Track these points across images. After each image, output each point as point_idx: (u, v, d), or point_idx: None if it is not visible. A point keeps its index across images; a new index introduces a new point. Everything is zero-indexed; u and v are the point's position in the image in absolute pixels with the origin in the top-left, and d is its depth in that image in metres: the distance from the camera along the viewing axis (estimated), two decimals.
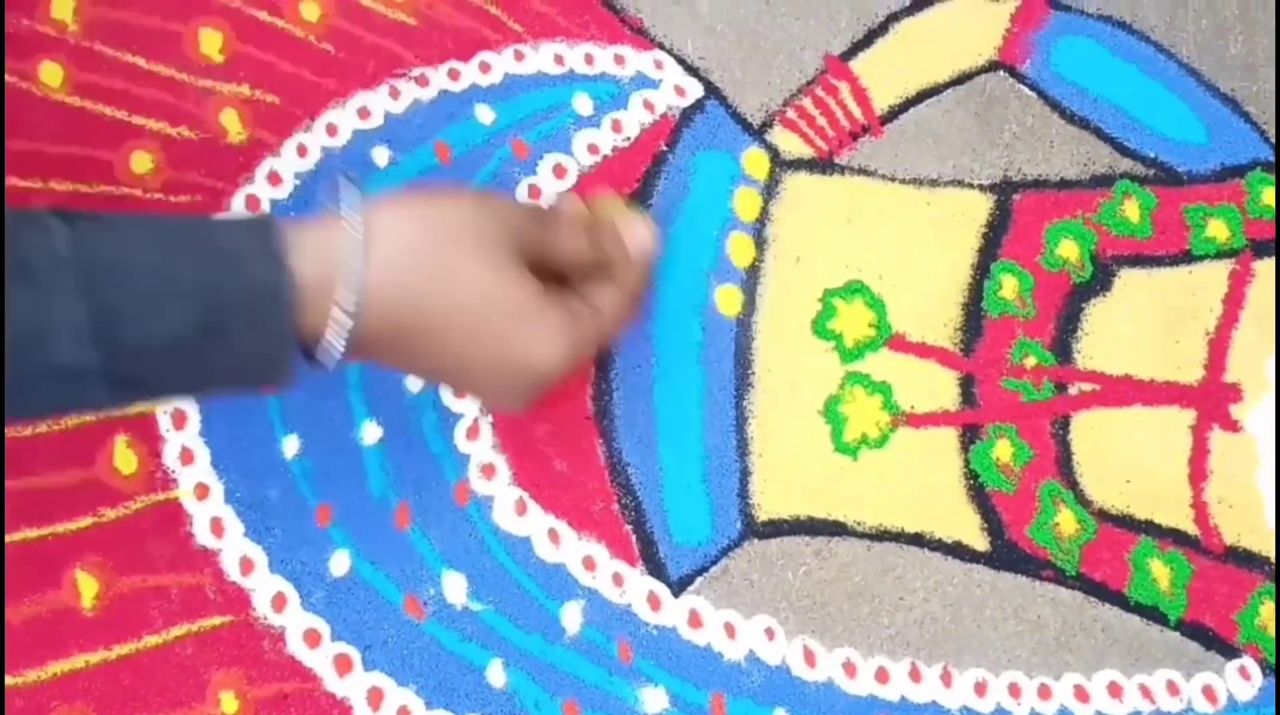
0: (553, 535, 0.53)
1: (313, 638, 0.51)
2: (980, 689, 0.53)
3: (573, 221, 0.48)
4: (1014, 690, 0.53)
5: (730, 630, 0.53)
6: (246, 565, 0.51)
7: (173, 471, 0.52)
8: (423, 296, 0.43)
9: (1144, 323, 0.59)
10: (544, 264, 0.46)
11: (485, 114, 0.58)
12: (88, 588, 0.50)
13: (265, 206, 0.55)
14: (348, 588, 0.51)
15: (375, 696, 0.50)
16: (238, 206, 0.55)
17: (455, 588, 0.52)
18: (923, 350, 0.57)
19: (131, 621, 0.50)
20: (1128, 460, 0.57)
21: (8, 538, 0.50)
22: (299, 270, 0.41)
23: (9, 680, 0.48)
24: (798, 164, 0.59)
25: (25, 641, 0.49)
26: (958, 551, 0.55)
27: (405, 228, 0.43)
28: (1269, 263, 0.60)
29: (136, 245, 0.39)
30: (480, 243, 0.43)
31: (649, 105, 0.59)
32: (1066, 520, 0.56)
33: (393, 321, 0.42)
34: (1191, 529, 0.56)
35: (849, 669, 0.53)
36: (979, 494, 0.56)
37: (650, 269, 0.51)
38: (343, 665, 0.51)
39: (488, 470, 0.53)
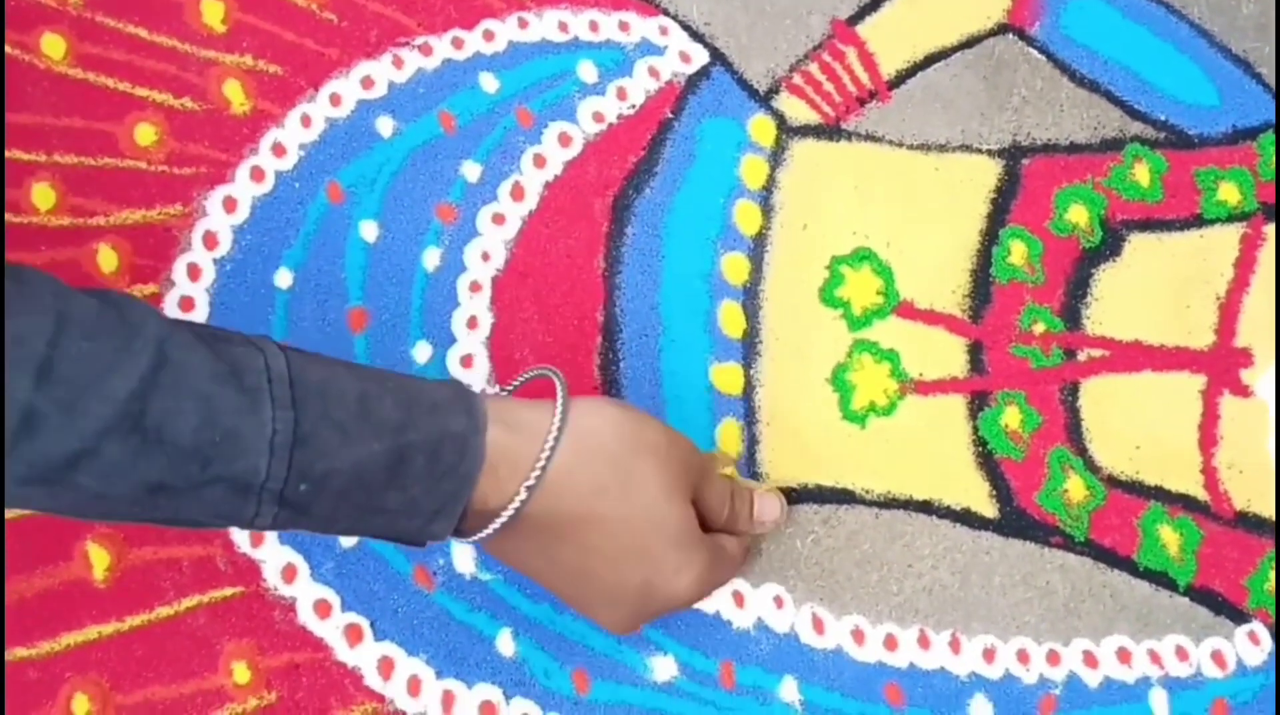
0: None
1: (323, 608, 0.51)
2: (989, 655, 0.53)
3: (723, 486, 0.49)
4: (1023, 656, 0.53)
5: (739, 599, 0.53)
6: (257, 537, 0.51)
7: None
8: (599, 494, 0.43)
9: (1154, 288, 0.58)
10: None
11: (489, 82, 0.58)
12: (100, 560, 0.50)
13: (270, 178, 0.55)
14: (357, 558, 0.52)
15: (386, 666, 0.51)
16: (242, 178, 0.55)
17: (464, 558, 0.52)
18: (931, 317, 0.57)
19: (143, 593, 0.50)
20: (1137, 426, 0.57)
21: (20, 511, 0.50)
22: (493, 435, 0.41)
23: (22, 651, 0.49)
24: (805, 130, 0.59)
25: (39, 613, 0.49)
26: (966, 518, 0.55)
27: (604, 428, 0.44)
28: None
29: (343, 377, 0.40)
30: (666, 467, 0.44)
31: (654, 72, 0.59)
32: (1075, 486, 0.56)
33: (561, 509, 0.43)
34: (1201, 494, 0.56)
35: (857, 636, 0.53)
36: (988, 461, 0.56)
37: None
38: (353, 635, 0.51)
39: None
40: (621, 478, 0.43)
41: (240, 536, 0.51)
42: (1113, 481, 0.56)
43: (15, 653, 0.49)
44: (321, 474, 0.38)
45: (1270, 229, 0.59)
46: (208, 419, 0.36)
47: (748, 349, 0.56)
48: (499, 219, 0.56)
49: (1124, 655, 0.54)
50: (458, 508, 0.41)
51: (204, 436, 0.36)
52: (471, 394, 0.42)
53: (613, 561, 0.44)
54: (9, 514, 0.50)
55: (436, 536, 0.42)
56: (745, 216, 0.58)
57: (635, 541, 0.44)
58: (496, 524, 0.42)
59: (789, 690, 0.52)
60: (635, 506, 0.44)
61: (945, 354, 0.57)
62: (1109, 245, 0.59)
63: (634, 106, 0.58)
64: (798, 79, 0.60)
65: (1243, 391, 0.57)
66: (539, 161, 0.57)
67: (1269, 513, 0.56)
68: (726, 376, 0.56)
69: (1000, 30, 0.61)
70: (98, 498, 0.36)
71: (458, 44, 0.58)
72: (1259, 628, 0.55)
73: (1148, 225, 0.59)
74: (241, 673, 0.50)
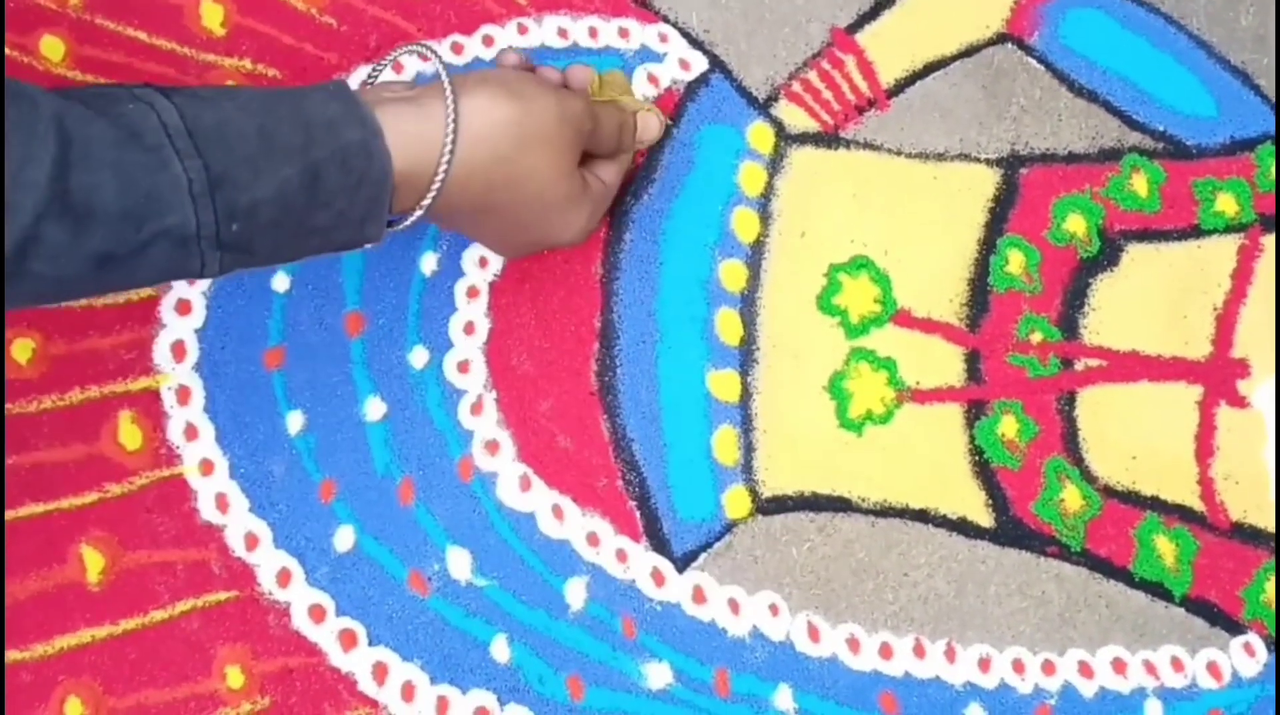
0: (557, 511, 0.53)
1: (317, 613, 0.51)
2: (984, 665, 0.53)
3: (613, 123, 0.52)
4: (1018, 666, 0.54)
5: (734, 606, 0.53)
6: (251, 541, 0.52)
7: (177, 447, 0.52)
8: (492, 190, 0.47)
9: (1151, 298, 0.58)
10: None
11: None
12: (94, 563, 0.50)
13: None
14: (352, 563, 0.52)
15: (380, 671, 0.51)
16: None
17: (459, 563, 0.52)
18: (928, 326, 0.57)
19: (137, 596, 0.50)
20: (1134, 436, 0.57)
21: (14, 513, 0.50)
22: (389, 138, 0.44)
23: (16, 654, 0.49)
24: (803, 138, 0.59)
25: (32, 616, 0.49)
26: (962, 528, 0.55)
27: (494, 132, 0.47)
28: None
29: (235, 114, 0.41)
30: (556, 151, 0.48)
31: (653, 79, 0.59)
32: (1072, 496, 0.56)
33: (461, 205, 0.47)
34: (1197, 505, 0.56)
35: (853, 645, 0.53)
36: (984, 470, 0.56)
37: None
38: (347, 640, 0.51)
39: (492, 446, 0.54)
40: (512, 173, 0.47)
41: (235, 541, 0.52)
42: (1109, 491, 0.56)
43: (9, 655, 0.49)
44: (247, 209, 0.40)
45: (1268, 240, 0.59)
46: (125, 184, 0.38)
47: (745, 356, 0.56)
48: None
49: (1119, 666, 0.54)
50: (382, 211, 0.45)
51: (128, 201, 0.38)
52: (359, 104, 0.44)
53: (508, 235, 0.51)
54: (4, 516, 0.50)
55: (372, 239, 0.46)
56: (743, 224, 0.58)
57: (529, 217, 0.50)
58: (407, 222, 0.47)
59: (784, 698, 0.52)
60: (528, 193, 0.48)
61: (942, 363, 0.57)
62: (1107, 255, 0.59)
63: None
64: (797, 86, 0.60)
65: (1239, 402, 0.57)
66: None
67: (1265, 524, 0.56)
68: (724, 383, 0.56)
69: (999, 40, 0.61)
70: (56, 282, 0.38)
71: (457, 49, 0.58)
72: (1254, 639, 0.55)
73: (1145, 235, 0.59)
74: (235, 677, 0.50)
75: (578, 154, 0.50)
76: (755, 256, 0.57)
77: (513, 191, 0.48)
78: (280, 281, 0.54)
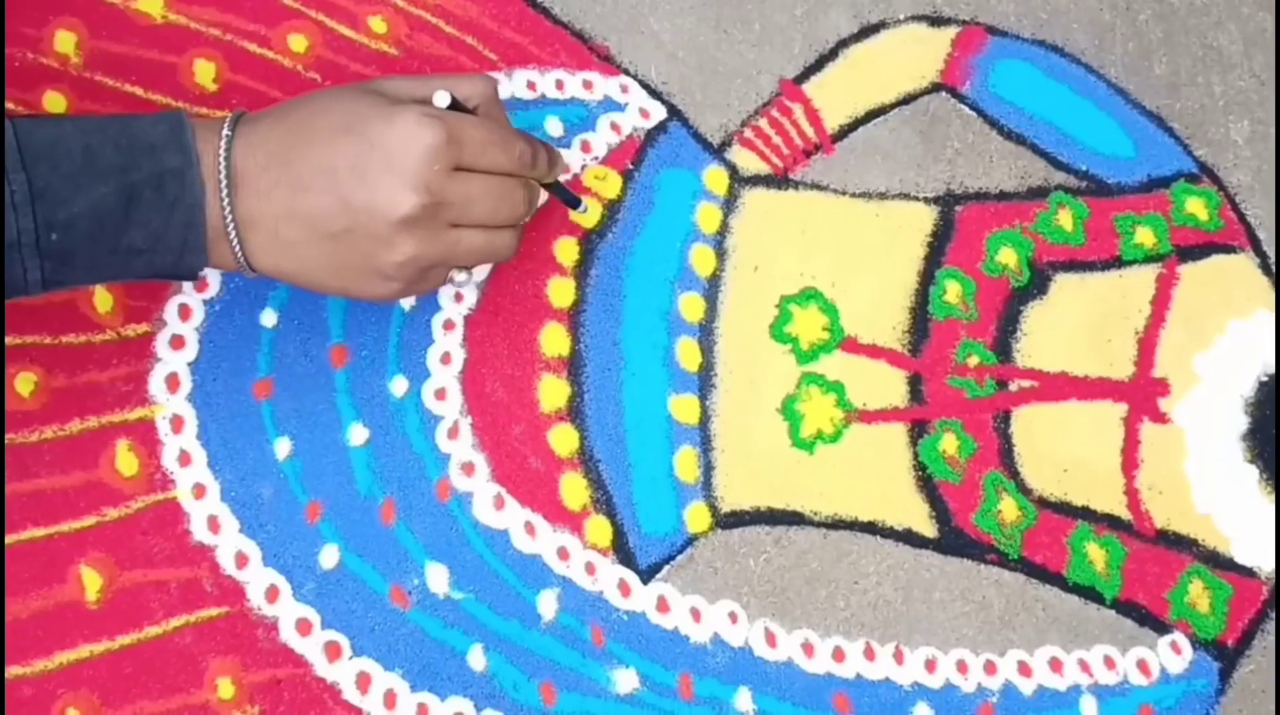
0: (529, 528, 0.56)
1: (304, 626, 0.53)
2: (930, 666, 0.56)
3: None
4: (961, 666, 0.56)
5: (696, 614, 0.56)
6: (241, 560, 0.53)
7: (171, 473, 0.54)
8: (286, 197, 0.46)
9: (1078, 323, 0.62)
10: None
11: None
12: (92, 582, 0.52)
13: None
14: (337, 580, 0.54)
15: (364, 680, 0.53)
16: None
17: (438, 578, 0.55)
18: (873, 351, 0.61)
19: (133, 613, 0.52)
20: (1065, 451, 0.60)
21: (17, 536, 0.52)
22: (204, 159, 0.45)
23: (18, 670, 0.51)
24: (755, 180, 0.63)
25: (33, 633, 0.51)
26: (908, 538, 0.58)
27: (267, 142, 0.46)
28: (1193, 267, 0.64)
29: (68, 134, 0.44)
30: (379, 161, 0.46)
31: (616, 127, 0.62)
32: (1009, 508, 0.59)
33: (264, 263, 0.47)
34: (1125, 514, 0.60)
35: (807, 649, 0.56)
36: (927, 484, 0.59)
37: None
38: (332, 652, 0.53)
39: (467, 468, 0.56)
40: (293, 177, 0.46)
41: (226, 560, 0.53)
42: (1043, 503, 0.59)
43: (11, 671, 0.50)
44: (65, 221, 0.43)
45: (1184, 269, 0.64)
46: None
47: (704, 382, 0.59)
48: None
49: (1056, 665, 0.57)
50: (200, 240, 0.46)
51: None
52: (185, 131, 0.45)
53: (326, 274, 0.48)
54: (7, 539, 0.52)
55: (196, 267, 0.47)
56: (701, 259, 0.61)
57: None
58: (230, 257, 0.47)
59: (744, 700, 0.55)
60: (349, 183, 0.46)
61: (887, 385, 0.60)
62: (1036, 284, 0.63)
63: (597, 158, 0.61)
64: (748, 133, 0.63)
65: (1161, 418, 0.61)
66: None
67: (1187, 530, 0.60)
68: (684, 407, 0.59)
69: (934, 89, 0.65)
70: None
71: None
72: (1180, 638, 0.58)
73: (1072, 266, 0.63)
74: (226, 688, 0.52)
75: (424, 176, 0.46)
76: (712, 289, 0.61)
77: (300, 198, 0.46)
78: (269, 317, 0.56)
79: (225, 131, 0.46)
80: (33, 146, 0.43)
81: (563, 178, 0.57)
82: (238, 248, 0.47)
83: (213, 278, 0.57)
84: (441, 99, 0.48)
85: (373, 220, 0.46)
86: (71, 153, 0.43)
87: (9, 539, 0.52)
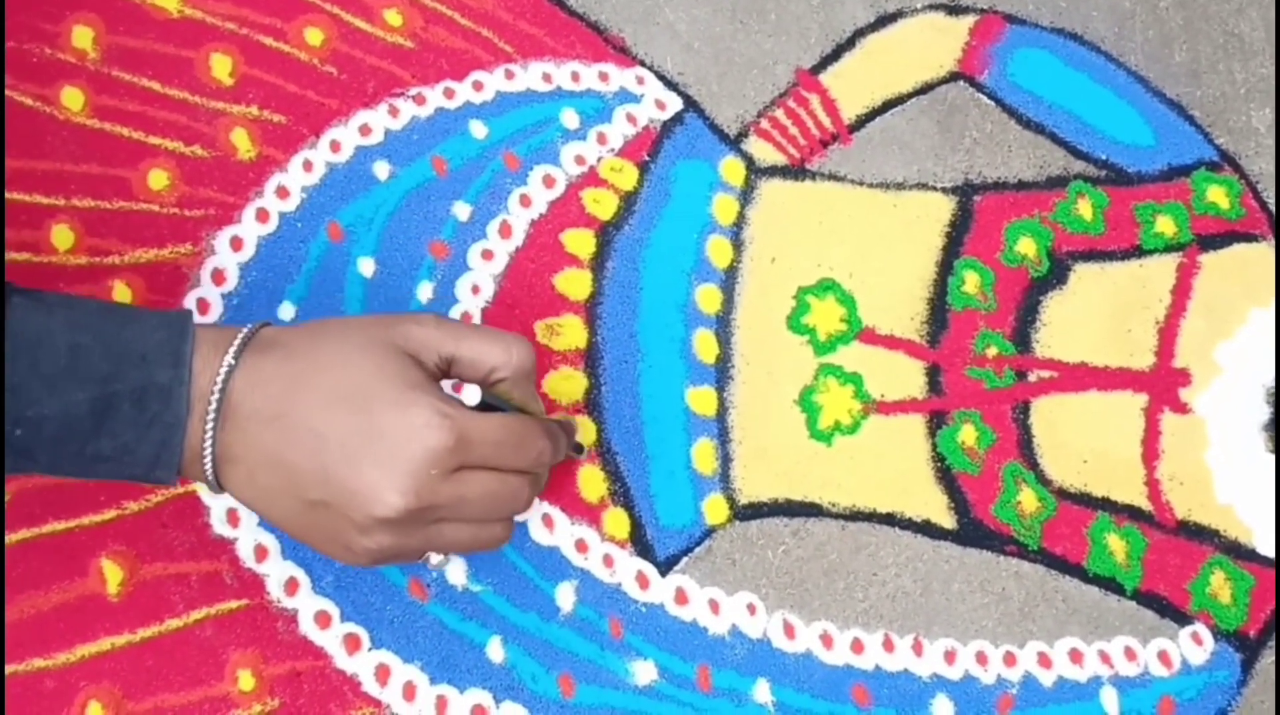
0: (547, 520, 0.56)
1: (323, 619, 0.53)
2: (950, 657, 0.56)
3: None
4: (981, 658, 0.56)
5: (714, 606, 0.56)
6: (261, 552, 0.54)
7: None
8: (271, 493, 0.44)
9: (1098, 313, 0.62)
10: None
11: (479, 129, 0.61)
12: (113, 575, 0.52)
13: (274, 219, 0.58)
14: (355, 572, 0.54)
15: (383, 673, 0.53)
16: (248, 219, 0.58)
17: (456, 571, 0.55)
18: (891, 342, 0.61)
19: (154, 606, 0.52)
20: (1084, 442, 0.60)
21: (39, 530, 0.52)
22: (198, 379, 0.42)
23: (40, 662, 0.51)
24: (772, 171, 0.63)
25: (55, 626, 0.51)
26: (927, 530, 0.58)
27: (269, 383, 0.43)
28: (1214, 256, 0.63)
29: (60, 328, 0.41)
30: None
31: (631, 119, 0.62)
32: (1028, 499, 0.59)
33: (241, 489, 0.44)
34: (1145, 505, 0.59)
35: (826, 641, 0.56)
36: (946, 476, 0.59)
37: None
38: (352, 644, 0.53)
39: None
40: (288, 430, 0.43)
41: (245, 553, 0.53)
42: (1063, 494, 0.59)
43: (33, 663, 0.51)
44: (33, 420, 0.40)
45: (1205, 258, 0.63)
46: None
47: (721, 373, 0.59)
48: (488, 255, 0.59)
49: (1076, 656, 0.57)
50: (173, 456, 0.42)
51: None
52: (186, 341, 0.42)
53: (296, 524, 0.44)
54: (29, 533, 0.52)
55: (165, 481, 0.43)
56: (717, 251, 0.61)
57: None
58: (208, 462, 0.43)
59: (762, 692, 0.55)
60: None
61: (905, 377, 0.60)
62: (1056, 274, 0.62)
63: (613, 150, 0.61)
64: (765, 123, 0.63)
65: (1182, 409, 0.61)
66: (525, 201, 0.60)
67: (1208, 521, 0.59)
68: (701, 399, 0.59)
69: (952, 78, 0.65)
70: None
71: (449, 94, 0.61)
72: (1201, 629, 0.58)
73: (1091, 256, 0.63)
74: (246, 680, 0.52)
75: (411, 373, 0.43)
76: (729, 281, 0.61)
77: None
78: (286, 311, 0.56)
79: (229, 359, 0.43)
80: (17, 337, 0.40)
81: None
82: (210, 473, 0.43)
83: (230, 272, 0.57)
84: (471, 396, 0.46)
85: (350, 506, 0.42)
86: (56, 351, 0.41)
87: (30, 533, 0.52)
